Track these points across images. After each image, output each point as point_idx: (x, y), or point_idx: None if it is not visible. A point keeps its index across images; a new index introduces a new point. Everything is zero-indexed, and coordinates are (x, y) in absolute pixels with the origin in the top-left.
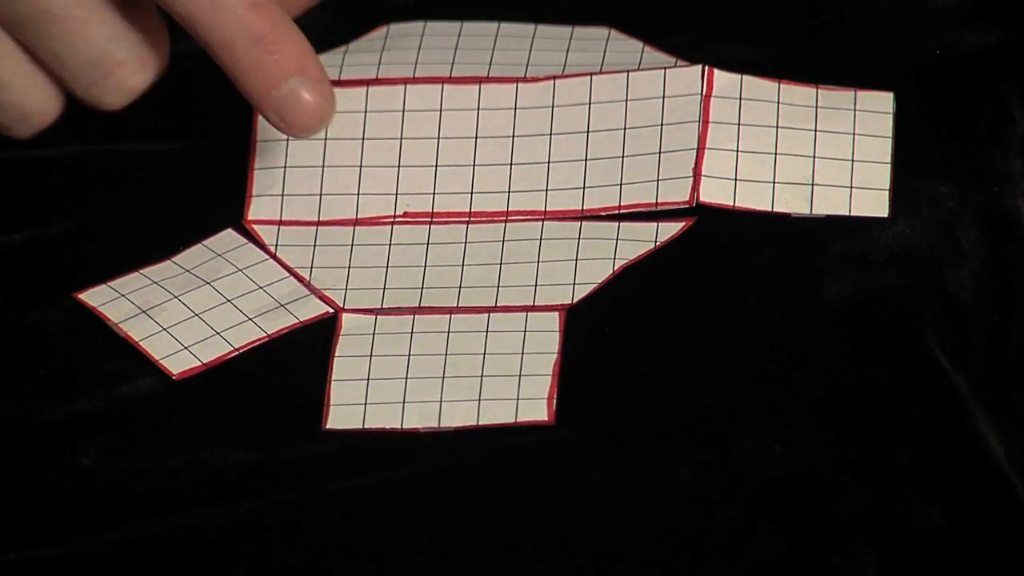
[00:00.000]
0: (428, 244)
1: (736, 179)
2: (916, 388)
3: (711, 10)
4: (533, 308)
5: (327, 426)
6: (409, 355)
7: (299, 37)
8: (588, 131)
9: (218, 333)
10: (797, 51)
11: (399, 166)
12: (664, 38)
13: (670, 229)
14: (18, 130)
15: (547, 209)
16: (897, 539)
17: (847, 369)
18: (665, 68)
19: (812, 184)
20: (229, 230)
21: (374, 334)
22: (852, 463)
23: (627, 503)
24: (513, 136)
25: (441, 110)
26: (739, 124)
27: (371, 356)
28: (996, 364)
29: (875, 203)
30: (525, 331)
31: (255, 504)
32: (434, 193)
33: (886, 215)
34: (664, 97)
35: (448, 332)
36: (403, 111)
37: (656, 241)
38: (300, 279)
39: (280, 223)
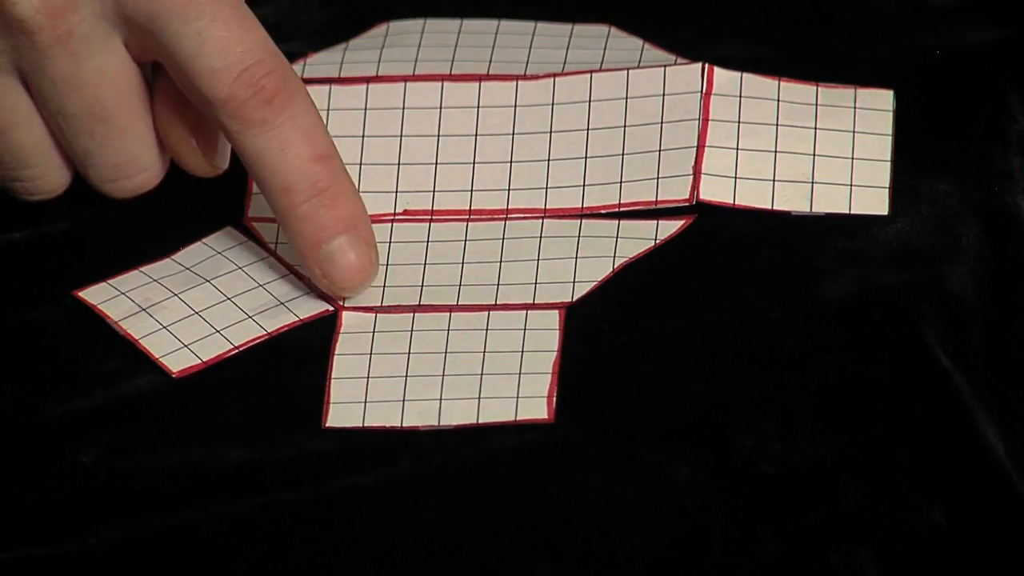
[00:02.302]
0: (428, 242)
1: (736, 177)
2: (916, 385)
3: (711, 7)
4: (533, 306)
5: (327, 424)
6: (409, 353)
7: (355, 195)
8: (588, 129)
9: (218, 331)
10: (797, 48)
11: (399, 164)
12: (664, 35)
13: (670, 227)
14: (23, 197)
15: (547, 207)
16: (897, 537)
17: (847, 367)
18: (665, 66)
19: (812, 182)
20: (229, 228)
21: (374, 332)
22: (852, 461)
23: (627, 501)
24: (513, 134)
25: (441, 107)
26: (739, 122)
27: (371, 354)
28: (996, 361)
29: (875, 201)
30: (525, 329)
31: (254, 502)
32: (434, 191)
33: (886, 213)
34: (664, 95)
35: (448, 330)
36: (403, 108)
37: (656, 239)
38: (300, 277)
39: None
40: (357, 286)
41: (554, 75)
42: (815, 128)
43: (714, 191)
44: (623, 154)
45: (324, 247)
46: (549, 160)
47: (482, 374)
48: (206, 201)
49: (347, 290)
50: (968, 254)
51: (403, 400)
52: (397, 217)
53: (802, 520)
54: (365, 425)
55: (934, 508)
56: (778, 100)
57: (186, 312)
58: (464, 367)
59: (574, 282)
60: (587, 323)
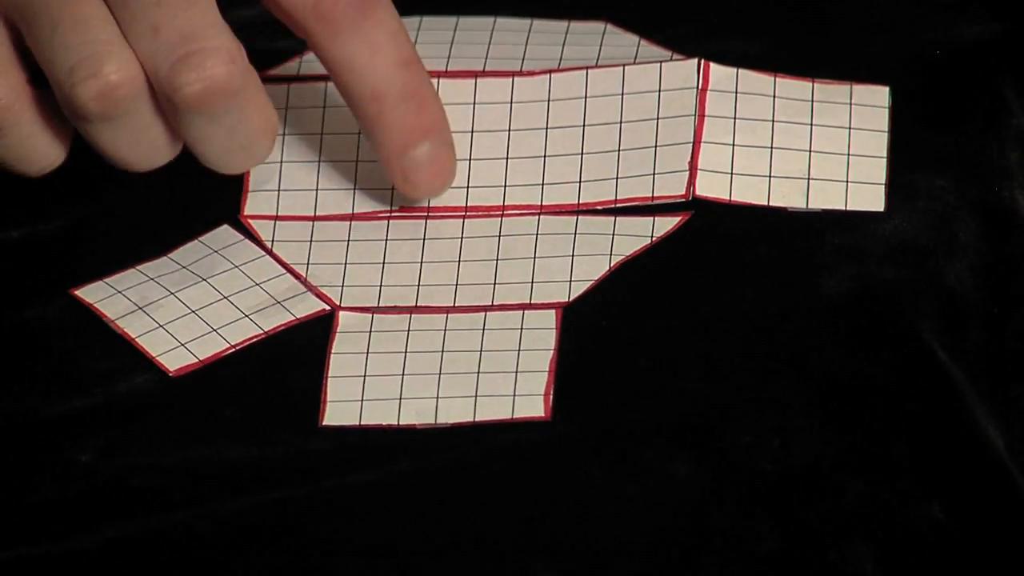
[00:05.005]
0: (424, 239)
1: (732, 173)
2: (914, 381)
3: (707, 3)
4: (530, 306)
5: (324, 422)
6: (406, 352)
7: (438, 100)
8: (584, 125)
9: (215, 330)
10: (793, 44)
11: None
12: (660, 31)
13: (666, 223)
14: (22, 170)
15: (543, 203)
16: (896, 533)
17: (845, 363)
18: (661, 62)
19: (808, 178)
20: (225, 226)
21: (370, 331)
22: (850, 457)
23: (624, 499)
24: (509, 130)
25: None
26: (735, 118)
27: (367, 353)
28: (994, 357)
29: (871, 197)
30: (522, 328)
31: (252, 500)
32: None
33: (882, 209)
34: (660, 91)
35: (445, 330)
36: None
37: (652, 236)
38: (297, 276)
39: (276, 218)
40: (438, 189)
41: (550, 71)
42: (811, 124)
43: (710, 187)
44: (619, 150)
45: (411, 152)
46: (545, 156)
47: (479, 372)
48: (203, 199)
49: (429, 193)
50: (966, 249)
51: (400, 398)
52: (394, 214)
53: (801, 517)
54: (362, 423)
55: (933, 504)
56: (774, 96)
57: (183, 311)
58: (461, 366)
59: (571, 281)
60: (584, 320)
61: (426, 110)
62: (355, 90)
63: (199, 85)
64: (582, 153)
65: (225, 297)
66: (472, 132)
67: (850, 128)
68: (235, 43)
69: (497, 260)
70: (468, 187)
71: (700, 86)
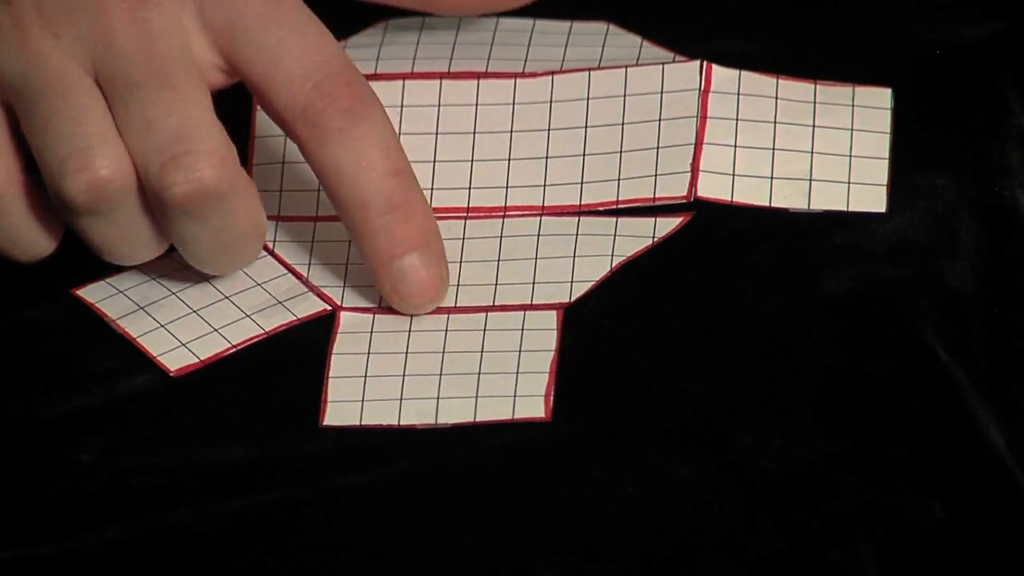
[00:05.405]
0: None
1: (734, 174)
2: (915, 381)
3: (709, 4)
4: (531, 307)
5: (324, 423)
6: (407, 352)
7: (429, 211)
8: (586, 126)
9: (216, 330)
10: (795, 45)
11: None
12: (662, 31)
13: (668, 224)
14: (12, 256)
15: (545, 204)
16: (897, 533)
17: (846, 363)
18: (663, 63)
19: (810, 180)
20: None
21: (372, 332)
22: (851, 457)
23: (625, 499)
24: (511, 131)
25: (439, 105)
26: (737, 119)
27: (368, 353)
28: (995, 356)
29: (873, 199)
30: (523, 329)
31: (253, 500)
32: (432, 188)
33: (884, 211)
34: (662, 92)
35: (446, 331)
36: (401, 106)
37: (654, 237)
38: (298, 276)
39: (278, 219)
40: (428, 303)
41: (552, 72)
42: (813, 126)
43: (712, 188)
44: (621, 151)
45: (396, 263)
46: (547, 157)
47: (479, 373)
48: None
49: (417, 307)
50: (967, 249)
51: (400, 399)
52: None
53: (801, 517)
54: (362, 424)
55: (934, 504)
56: (776, 97)
57: (184, 311)
58: (462, 366)
59: (572, 282)
60: (585, 320)
61: (414, 220)
62: (342, 197)
63: (188, 187)
64: (584, 154)
65: (226, 297)
66: (474, 133)
67: (852, 130)
68: (228, 146)
69: (499, 261)
70: (470, 188)
71: (702, 87)
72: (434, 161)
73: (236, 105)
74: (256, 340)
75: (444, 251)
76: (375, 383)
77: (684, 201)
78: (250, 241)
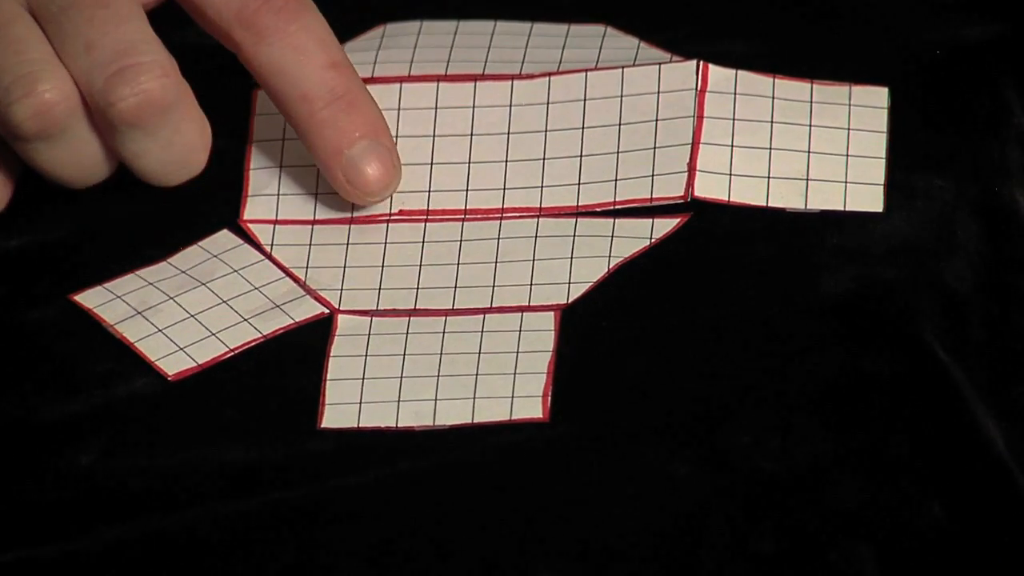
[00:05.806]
0: (423, 242)
1: (731, 174)
2: (914, 381)
3: (706, 5)
4: (528, 308)
5: (322, 425)
6: (404, 354)
7: (372, 101)
8: (583, 127)
9: (213, 334)
10: (792, 45)
11: None
12: (659, 33)
13: (665, 225)
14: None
15: (542, 205)
16: (897, 533)
17: (845, 363)
18: (660, 64)
19: (807, 179)
20: (225, 231)
21: (369, 334)
22: (850, 457)
23: (624, 499)
24: (508, 133)
25: (436, 108)
26: (734, 119)
27: (366, 356)
28: (994, 356)
29: (870, 198)
30: (520, 330)
31: (252, 502)
32: (429, 191)
33: (880, 210)
34: (659, 92)
35: (443, 333)
36: (398, 109)
37: (651, 237)
38: (296, 279)
39: (276, 222)
40: (381, 191)
41: (549, 74)
42: (810, 125)
43: (709, 188)
44: (618, 152)
45: (346, 152)
46: (544, 159)
47: (477, 374)
48: (202, 203)
49: (371, 195)
50: (965, 248)
51: (398, 401)
52: (393, 217)
53: (801, 517)
54: (360, 426)
55: (934, 503)
56: (773, 97)
57: (182, 315)
58: (459, 368)
59: (569, 283)
60: (583, 321)
61: (358, 110)
62: (285, 94)
63: (133, 99)
64: (581, 155)
65: (224, 301)
66: (471, 136)
67: (849, 129)
68: (168, 57)
69: (496, 262)
70: (467, 190)
71: (699, 87)
72: (431, 163)
73: (235, 107)
74: (254, 344)
75: (393, 140)
76: (373, 385)
77: (681, 201)
78: (198, 150)
